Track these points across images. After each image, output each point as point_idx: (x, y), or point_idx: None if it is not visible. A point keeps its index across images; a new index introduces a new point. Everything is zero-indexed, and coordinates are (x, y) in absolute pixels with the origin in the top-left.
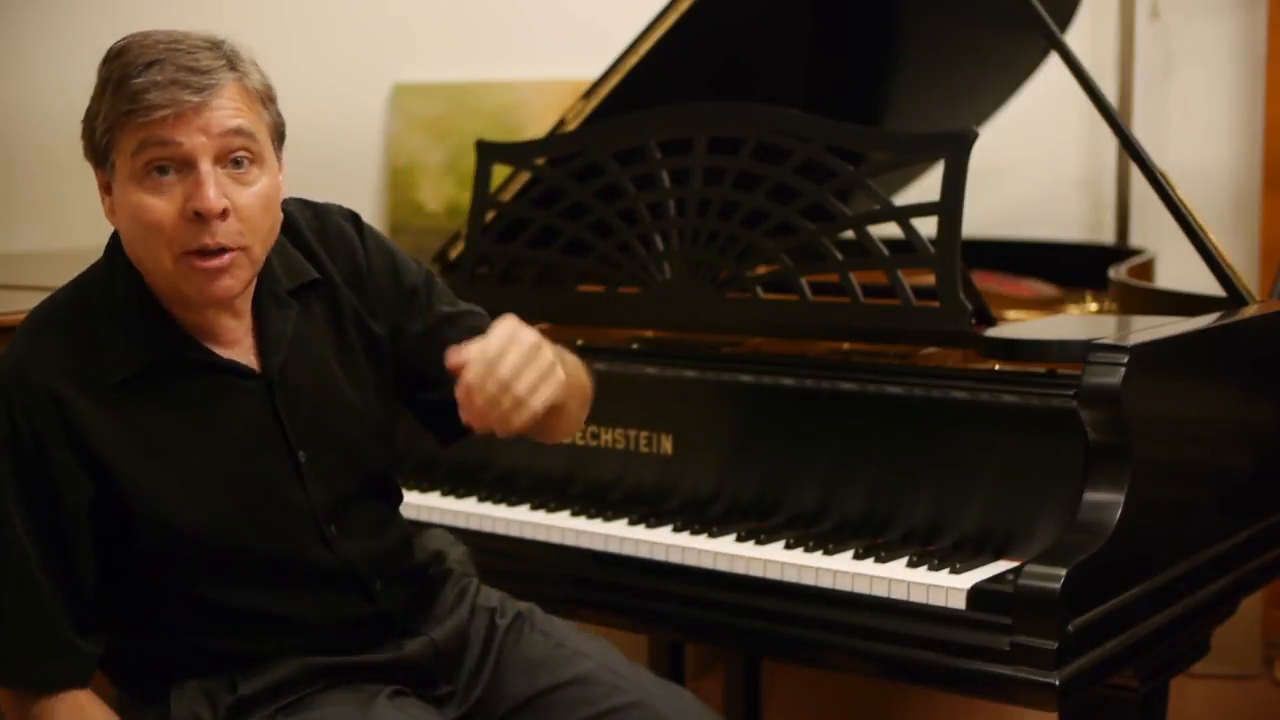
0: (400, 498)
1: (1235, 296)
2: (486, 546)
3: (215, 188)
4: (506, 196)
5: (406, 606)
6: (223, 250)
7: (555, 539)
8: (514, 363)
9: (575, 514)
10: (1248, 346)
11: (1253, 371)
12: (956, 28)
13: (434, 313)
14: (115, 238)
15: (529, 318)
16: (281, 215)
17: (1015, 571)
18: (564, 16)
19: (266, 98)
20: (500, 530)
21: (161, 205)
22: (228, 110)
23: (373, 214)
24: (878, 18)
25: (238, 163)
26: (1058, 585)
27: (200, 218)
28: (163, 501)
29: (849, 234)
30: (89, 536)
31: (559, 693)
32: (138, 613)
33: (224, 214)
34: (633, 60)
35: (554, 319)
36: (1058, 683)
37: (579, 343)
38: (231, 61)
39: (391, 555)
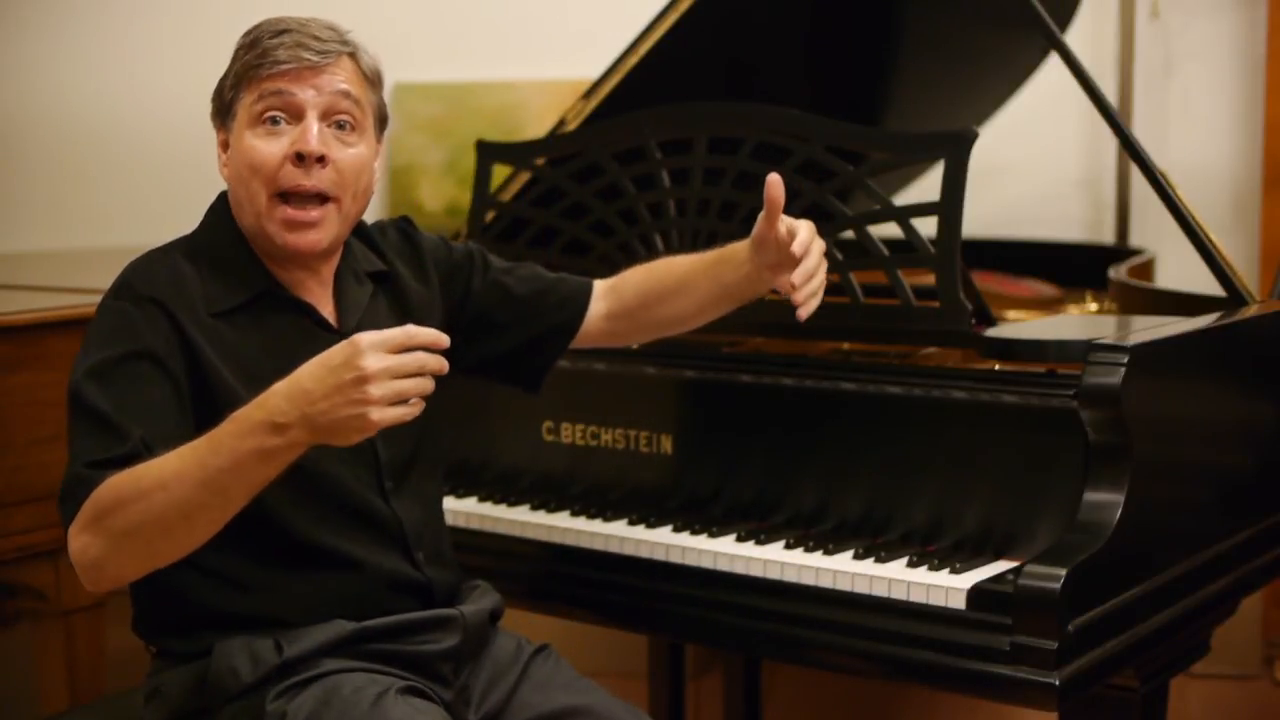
0: (442, 501)
1: (1235, 296)
2: (487, 546)
3: (318, 135)
4: (506, 196)
5: (443, 589)
6: (318, 199)
7: (555, 539)
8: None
9: (575, 514)
10: (1248, 346)
11: (1253, 371)
12: (956, 28)
13: (491, 269)
14: (217, 201)
15: None
16: (372, 191)
17: (1015, 571)
18: (564, 17)
19: (375, 81)
20: (500, 530)
21: (269, 147)
22: (340, 76)
23: (373, 214)
24: (878, 18)
25: (341, 125)
26: (1058, 585)
27: (301, 160)
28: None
29: (849, 234)
30: (180, 409)
31: (573, 717)
32: (195, 556)
33: (322, 160)
34: (633, 60)
35: None
36: (1058, 683)
37: None
38: (349, 43)
39: (434, 534)
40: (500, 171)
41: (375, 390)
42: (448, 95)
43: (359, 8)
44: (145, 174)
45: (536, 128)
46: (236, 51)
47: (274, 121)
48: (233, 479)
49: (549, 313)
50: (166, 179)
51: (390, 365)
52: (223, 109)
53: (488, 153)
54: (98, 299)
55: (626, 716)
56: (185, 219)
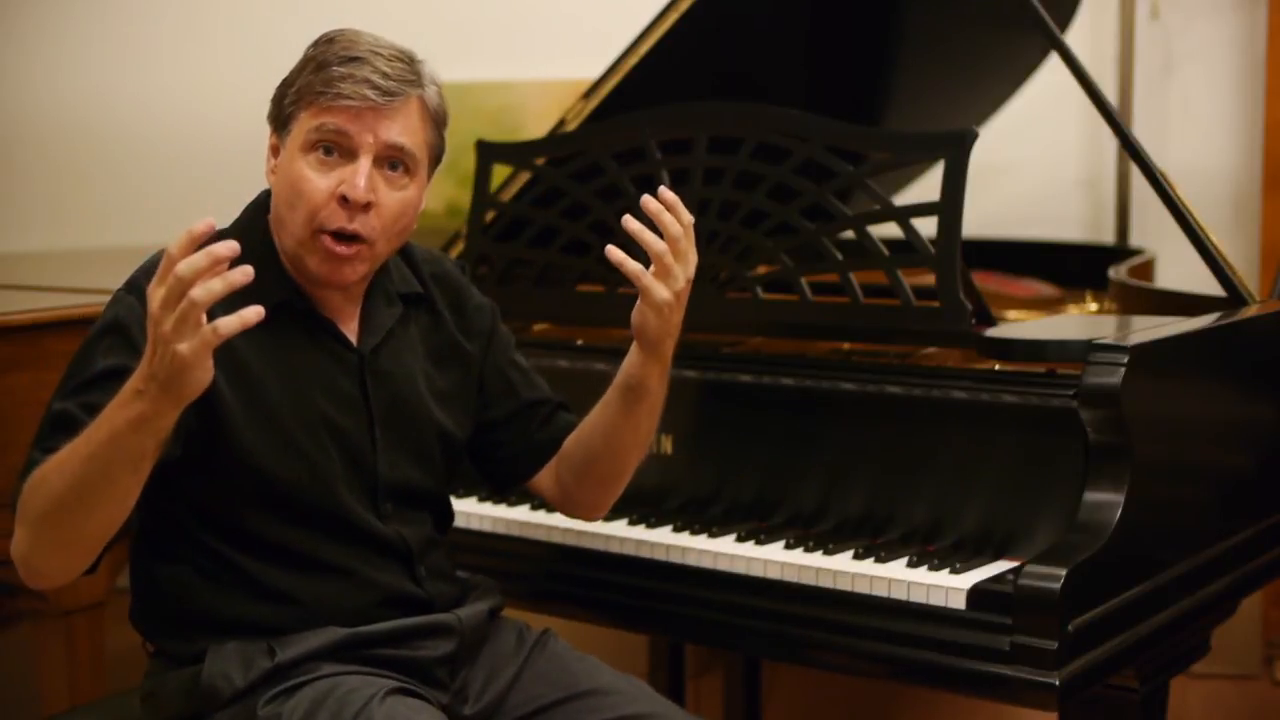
0: (451, 521)
1: (1235, 296)
2: (487, 546)
3: (367, 181)
4: (506, 196)
5: (444, 603)
6: (355, 239)
7: (555, 539)
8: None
9: None
10: (1248, 346)
11: (1253, 371)
12: (957, 28)
13: (501, 345)
14: (256, 201)
15: (529, 317)
16: (413, 226)
17: (1015, 571)
18: (564, 17)
19: (439, 120)
20: (500, 530)
21: (318, 180)
22: (398, 126)
23: None
24: (878, 17)
25: (394, 165)
26: (1058, 585)
27: (346, 203)
28: (240, 427)
29: (849, 234)
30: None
31: (579, 701)
32: (194, 559)
33: (366, 207)
34: (633, 60)
35: (554, 319)
36: (1058, 683)
37: (579, 342)
38: (420, 79)
39: (439, 550)
40: (500, 171)
41: (165, 328)
42: (448, 95)
43: (360, 8)
44: (144, 174)
45: (536, 128)
46: (305, 60)
47: (327, 151)
48: (112, 450)
49: (534, 429)
50: (166, 179)
51: (157, 303)
52: (280, 117)
53: (488, 153)
54: (98, 299)
55: (629, 689)
56: (185, 218)
